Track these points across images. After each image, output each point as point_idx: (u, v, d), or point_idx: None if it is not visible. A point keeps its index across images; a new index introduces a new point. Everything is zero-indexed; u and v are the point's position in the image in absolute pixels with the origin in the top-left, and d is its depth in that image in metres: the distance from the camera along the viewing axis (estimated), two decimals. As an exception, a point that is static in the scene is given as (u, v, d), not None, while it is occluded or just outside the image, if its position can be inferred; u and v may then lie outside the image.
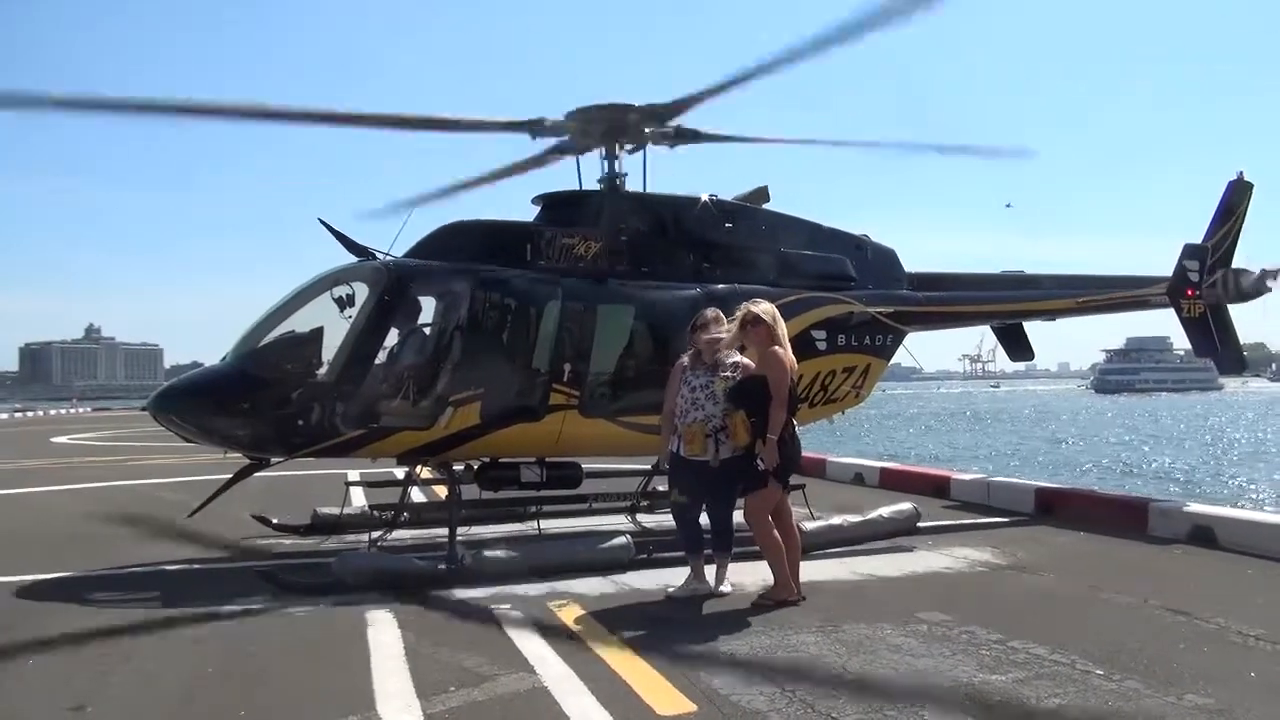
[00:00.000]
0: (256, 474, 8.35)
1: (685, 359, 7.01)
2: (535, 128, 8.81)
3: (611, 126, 8.89)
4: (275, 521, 9.46)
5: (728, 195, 9.69)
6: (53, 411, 61.16)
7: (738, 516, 6.92)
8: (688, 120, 8.80)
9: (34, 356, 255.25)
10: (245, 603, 6.70)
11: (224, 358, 7.95)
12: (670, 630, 5.90)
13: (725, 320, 6.89)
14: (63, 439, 28.93)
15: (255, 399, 7.71)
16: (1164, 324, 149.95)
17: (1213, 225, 11.69)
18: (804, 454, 7.45)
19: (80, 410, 65.68)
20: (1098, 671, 4.99)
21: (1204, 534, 8.62)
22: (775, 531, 6.66)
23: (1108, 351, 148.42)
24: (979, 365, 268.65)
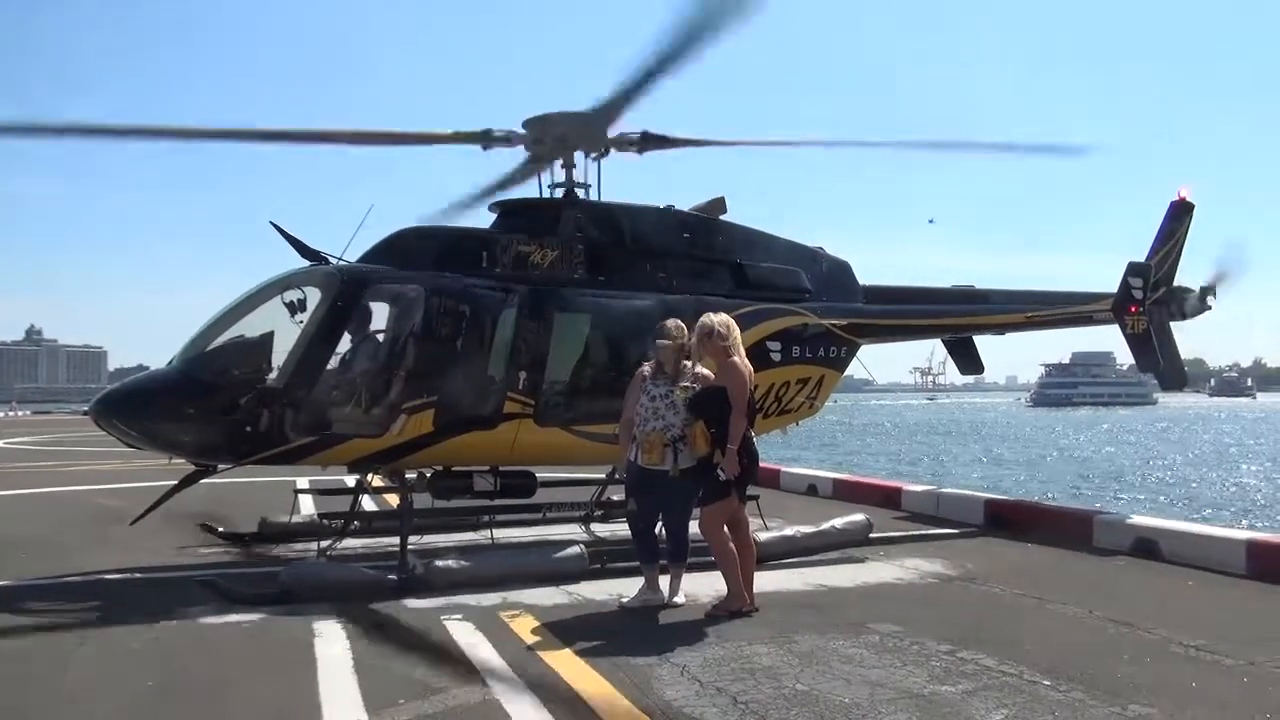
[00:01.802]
0: (202, 481, 8.19)
1: (646, 369, 7.00)
2: (485, 139, 8.81)
3: (568, 134, 8.87)
4: (221, 530, 9.30)
5: (685, 205, 9.72)
6: (-10, 415, 59.44)
7: (692, 527, 6.93)
8: (653, 125, 8.86)
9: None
10: (188, 613, 6.55)
11: (170, 361, 7.80)
12: (624, 641, 5.87)
13: (687, 331, 6.90)
14: (0, 443, 28.12)
15: (202, 404, 7.57)
16: (1109, 339, 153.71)
17: (1155, 244, 11.96)
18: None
19: (19, 414, 63.89)
20: (1044, 682, 5.06)
21: (1147, 546, 8.79)
22: (730, 542, 6.68)
23: (1046, 366, 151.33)
24: (929, 378, 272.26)
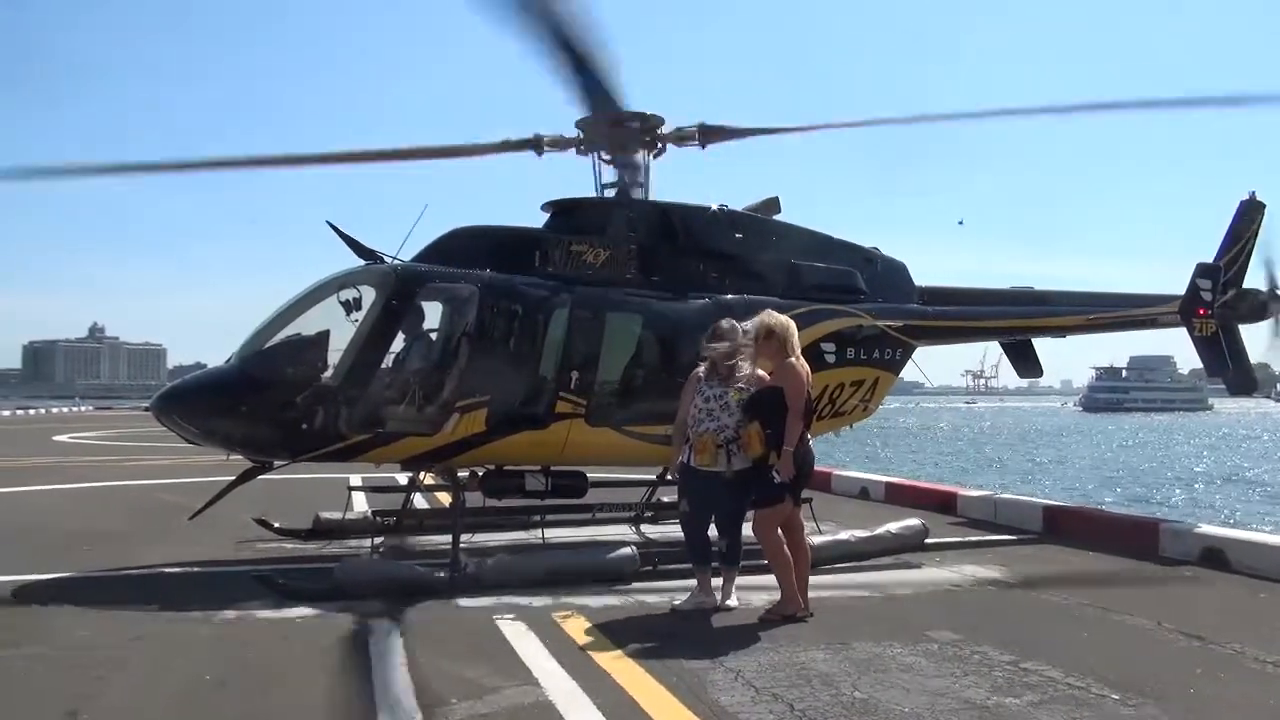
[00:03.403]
0: (259, 477, 8.28)
1: (701, 370, 6.93)
2: (536, 145, 8.82)
3: (621, 134, 8.84)
4: (277, 525, 9.39)
5: (738, 205, 9.63)
6: (55, 410, 61.14)
7: (746, 529, 6.83)
8: (710, 117, 8.82)
9: (37, 355, 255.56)
10: (245, 608, 6.61)
11: (229, 359, 7.89)
12: (676, 644, 5.80)
13: (741, 331, 6.81)
14: (64, 438, 28.89)
15: (259, 401, 7.64)
16: (1169, 342, 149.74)
17: (1224, 245, 11.61)
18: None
19: (82, 409, 65.69)
20: (1113, 696, 4.89)
21: (1215, 556, 8.49)
22: (784, 545, 6.57)
23: (1097, 369, 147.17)
24: (981, 381, 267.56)
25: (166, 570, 8.06)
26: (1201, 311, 11.03)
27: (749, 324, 6.80)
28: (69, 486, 14.50)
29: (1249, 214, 11.75)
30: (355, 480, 11.79)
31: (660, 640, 5.93)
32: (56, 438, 28.72)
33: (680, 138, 8.98)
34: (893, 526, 8.97)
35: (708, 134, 8.95)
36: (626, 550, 7.88)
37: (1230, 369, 11.26)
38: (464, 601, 6.89)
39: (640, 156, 9.18)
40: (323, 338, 7.89)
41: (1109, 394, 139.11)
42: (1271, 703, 4.88)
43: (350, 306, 7.88)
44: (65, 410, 61.60)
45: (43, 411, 56.65)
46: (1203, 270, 11.16)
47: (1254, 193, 11.94)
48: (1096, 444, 57.66)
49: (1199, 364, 12.31)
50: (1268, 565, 8.05)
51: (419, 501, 10.00)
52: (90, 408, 69.62)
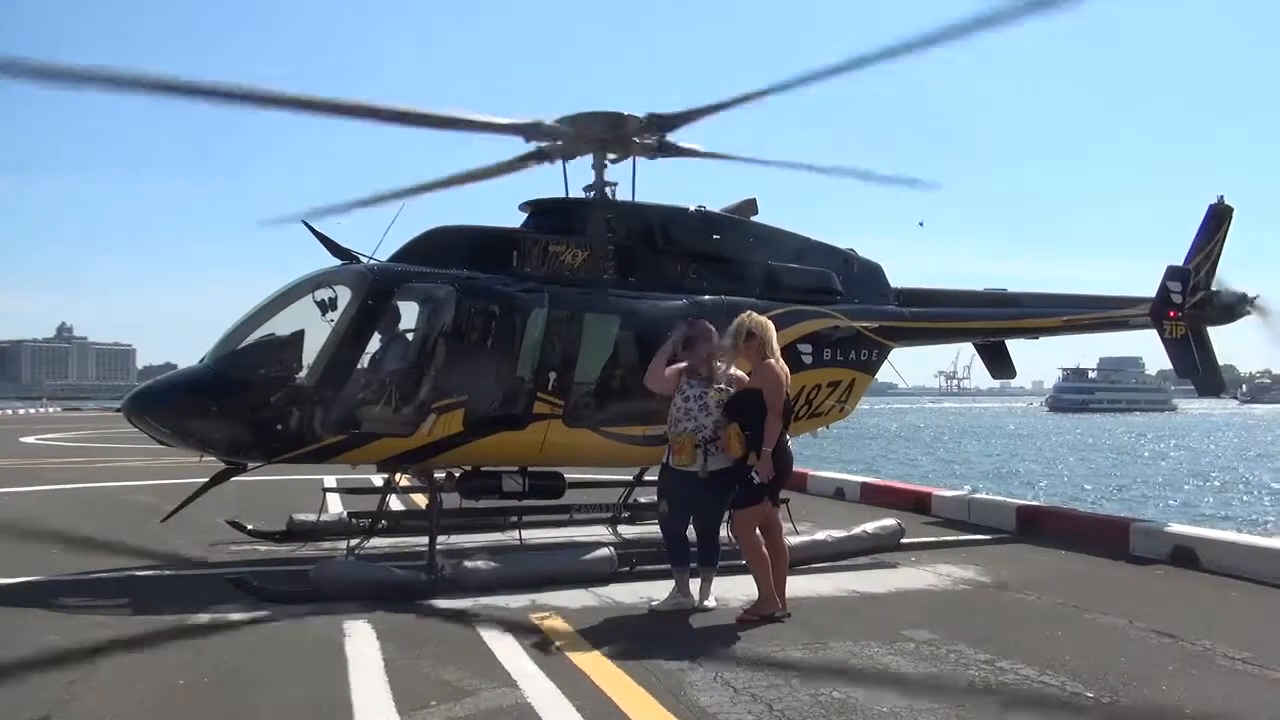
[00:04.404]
0: (233, 479, 8.19)
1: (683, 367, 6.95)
2: (530, 131, 8.74)
3: (603, 135, 8.83)
4: (250, 528, 9.31)
5: (716, 206, 9.65)
6: (22, 411, 60.22)
7: (724, 530, 6.85)
8: (680, 135, 8.78)
9: (3, 355, 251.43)
10: (219, 611, 6.54)
11: (202, 359, 7.81)
12: (655, 645, 5.81)
13: (718, 333, 6.83)
14: (31, 439, 28.46)
15: (233, 402, 7.56)
16: (1138, 344, 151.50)
17: (1193, 248, 11.78)
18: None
19: (50, 410, 64.71)
20: (1088, 694, 4.95)
21: (1186, 555, 8.62)
22: (762, 546, 6.59)
23: (1064, 370, 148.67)
24: (954, 382, 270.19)
25: (139, 573, 7.96)
26: (1172, 314, 11.17)
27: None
28: (38, 488, 14.28)
29: (1218, 217, 11.93)
30: (330, 481, 11.70)
31: (639, 641, 5.93)
32: (24, 439, 28.27)
33: (645, 149, 8.97)
34: (869, 527, 9.01)
35: (667, 150, 9.00)
36: (604, 551, 7.87)
37: (1199, 370, 11.41)
38: (441, 603, 6.86)
39: (615, 157, 9.18)
40: (297, 338, 7.81)
41: (1075, 395, 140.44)
42: (1241, 699, 4.95)
43: (325, 306, 7.81)
44: (31, 411, 60.62)
45: (8, 413, 55.71)
46: (1173, 273, 11.30)
47: (1222, 196, 12.11)
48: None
49: (1168, 365, 12.49)
50: (1237, 563, 8.18)
51: (394, 503, 9.93)
52: (58, 409, 68.54)
